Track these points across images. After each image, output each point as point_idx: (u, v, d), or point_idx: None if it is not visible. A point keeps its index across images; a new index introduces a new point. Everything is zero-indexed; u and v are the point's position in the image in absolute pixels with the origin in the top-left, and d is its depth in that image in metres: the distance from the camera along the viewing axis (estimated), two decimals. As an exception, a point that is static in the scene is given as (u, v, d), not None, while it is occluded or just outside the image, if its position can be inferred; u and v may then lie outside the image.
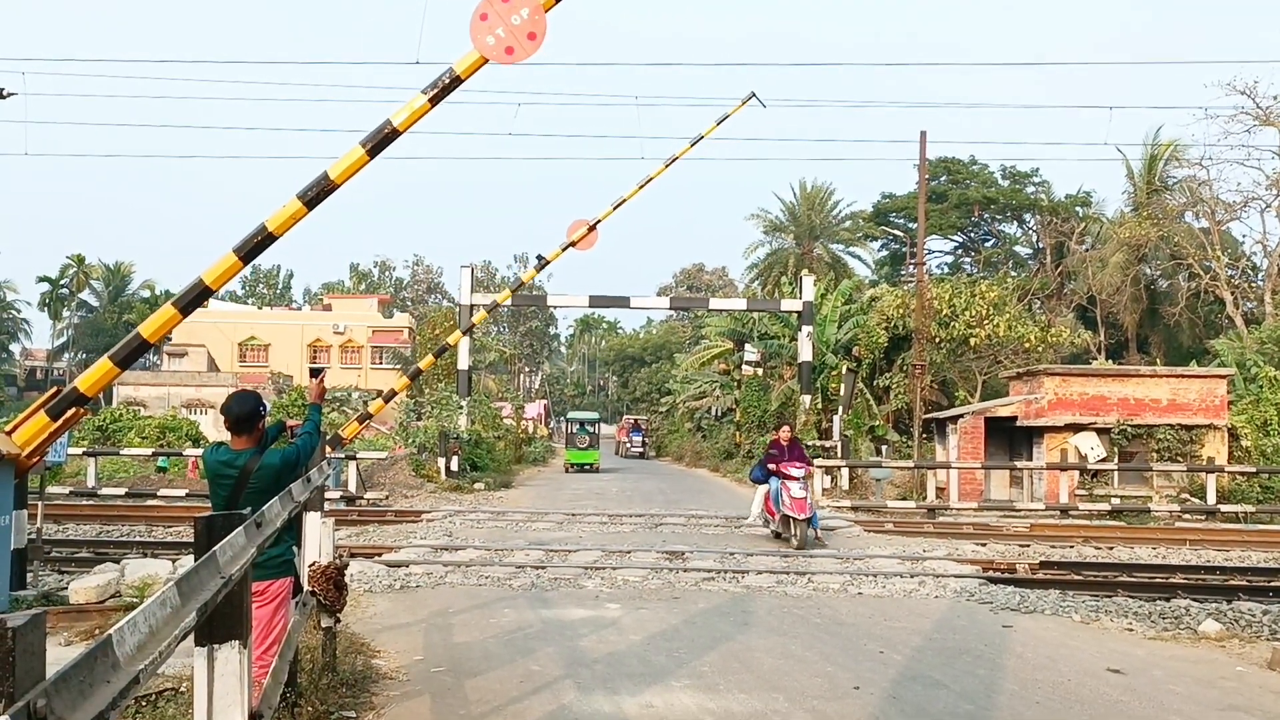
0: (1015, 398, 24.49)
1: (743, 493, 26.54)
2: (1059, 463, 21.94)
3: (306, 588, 5.87)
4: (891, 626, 8.70)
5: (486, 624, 8.49)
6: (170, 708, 5.43)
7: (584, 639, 7.97)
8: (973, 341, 30.58)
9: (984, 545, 15.06)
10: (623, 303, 35.18)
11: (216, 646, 3.11)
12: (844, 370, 30.81)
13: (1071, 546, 15.31)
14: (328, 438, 9.58)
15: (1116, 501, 20.90)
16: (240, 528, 3.33)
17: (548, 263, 17.98)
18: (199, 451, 21.62)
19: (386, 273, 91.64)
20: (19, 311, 79.57)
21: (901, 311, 31.67)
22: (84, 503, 18.68)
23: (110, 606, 8.37)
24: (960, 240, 57.27)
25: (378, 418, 23.98)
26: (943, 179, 53.72)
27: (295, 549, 5.50)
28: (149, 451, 24.16)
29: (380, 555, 12.14)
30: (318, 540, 6.38)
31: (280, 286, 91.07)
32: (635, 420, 58.22)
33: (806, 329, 32.79)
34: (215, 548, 3.01)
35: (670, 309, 70.47)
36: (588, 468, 36.59)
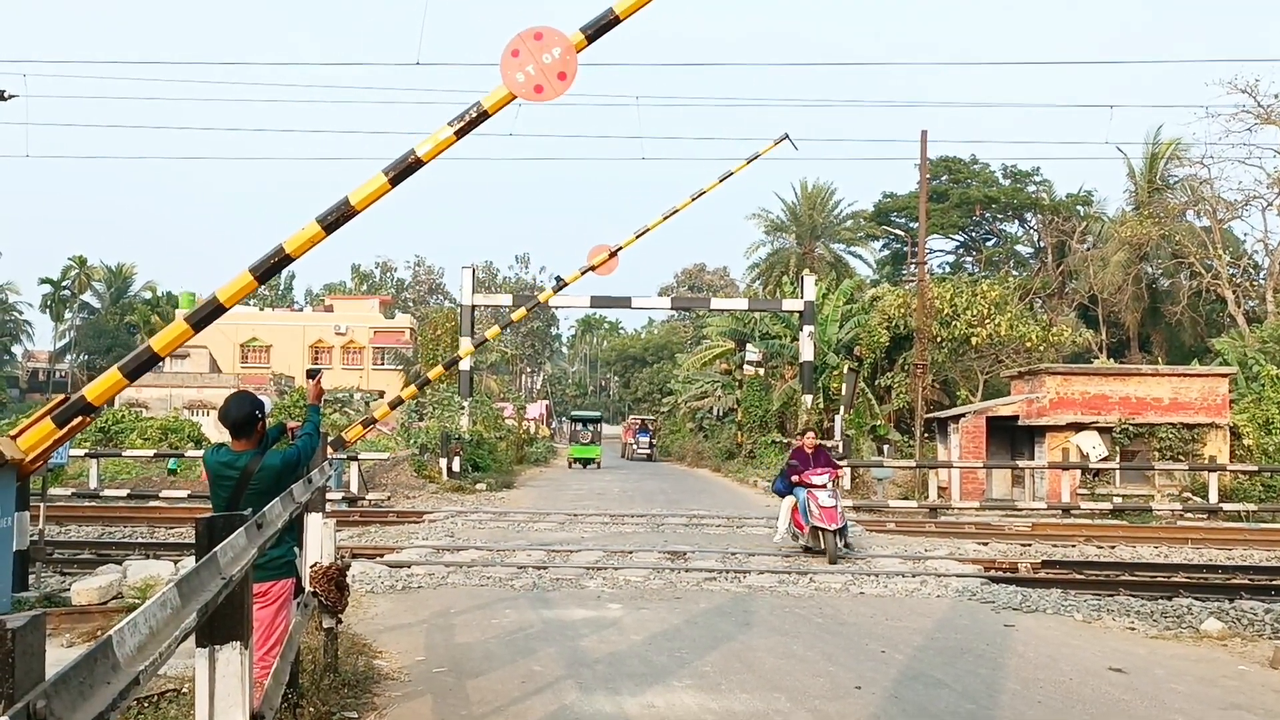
0: (1017, 397, 24.48)
1: (744, 492, 26.55)
2: (1061, 462, 21.93)
3: (308, 588, 5.88)
4: (893, 626, 8.70)
5: (488, 624, 8.50)
6: (172, 709, 5.43)
7: (585, 639, 7.97)
8: (974, 341, 30.58)
9: (986, 544, 15.06)
10: (624, 303, 35.19)
11: (218, 647, 3.12)
12: (845, 370, 30.80)
13: (1073, 546, 15.31)
14: (329, 439, 9.58)
15: (1118, 500, 20.90)
16: (241, 529, 3.33)
17: (566, 284, 18.29)
18: (200, 453, 21.63)
19: (388, 274, 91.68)
20: (21, 313, 79.78)
21: (903, 311, 31.68)
22: (86, 504, 18.69)
23: (112, 608, 8.37)
24: (961, 239, 57.28)
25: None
26: (944, 178, 53.73)
27: (296, 550, 5.50)
28: (151, 453, 24.17)
29: (382, 556, 12.14)
30: (319, 541, 6.38)
31: (282, 287, 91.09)
32: (642, 420, 54.84)
33: (808, 329, 32.80)
34: (216, 549, 3.01)
35: (672, 309, 70.50)
36: (590, 463, 39.24)
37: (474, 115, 6.98)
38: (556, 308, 71.15)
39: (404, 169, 7.04)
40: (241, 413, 5.11)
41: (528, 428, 47.98)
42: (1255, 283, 38.34)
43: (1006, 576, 11.43)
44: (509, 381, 73.65)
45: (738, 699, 6.30)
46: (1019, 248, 55.81)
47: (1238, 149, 49.54)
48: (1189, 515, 19.65)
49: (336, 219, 6.97)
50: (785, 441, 31.52)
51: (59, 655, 5.58)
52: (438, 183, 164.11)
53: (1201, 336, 37.99)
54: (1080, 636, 8.46)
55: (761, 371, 36.63)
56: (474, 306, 34.28)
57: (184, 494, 19.60)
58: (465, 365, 33.29)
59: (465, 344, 33.12)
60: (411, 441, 27.51)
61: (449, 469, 24.96)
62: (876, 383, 33.37)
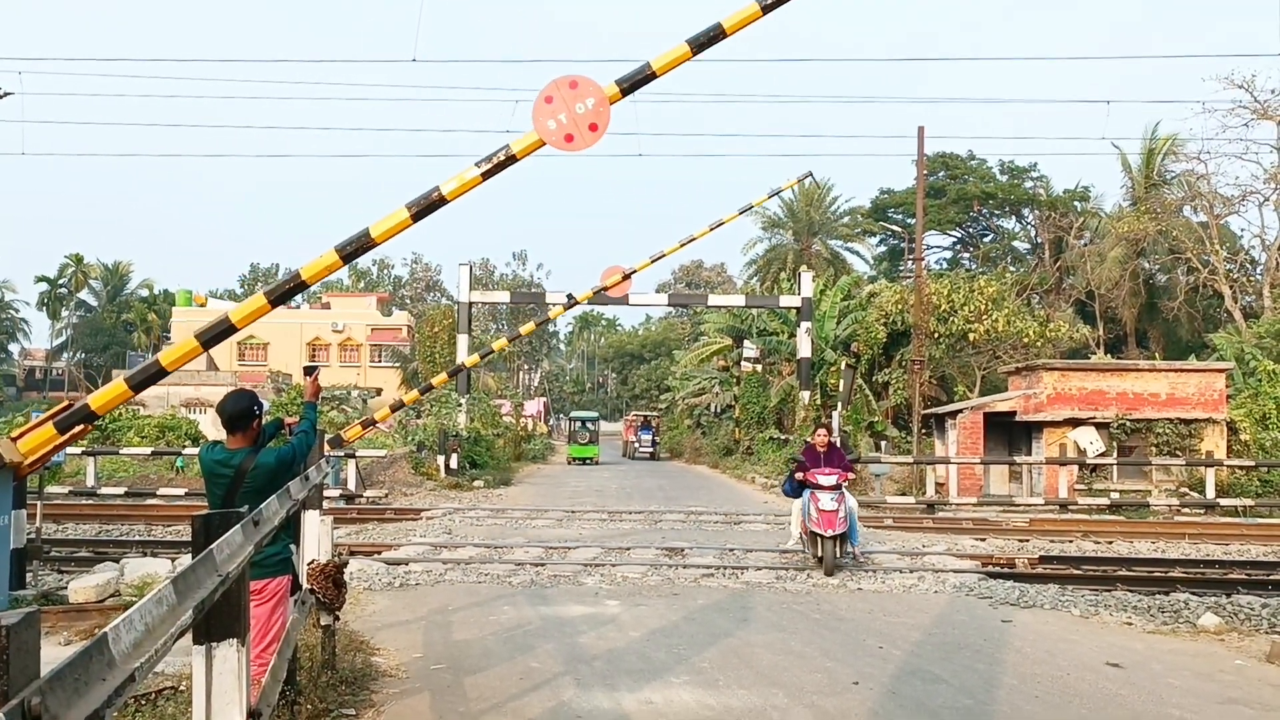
0: (1014, 393, 24.50)
1: (742, 489, 26.56)
2: (1058, 458, 21.95)
3: (305, 586, 5.88)
4: (891, 622, 8.71)
5: (486, 621, 8.50)
6: (169, 706, 5.43)
7: (583, 636, 7.98)
8: (971, 337, 30.61)
9: (983, 540, 15.08)
10: (621, 299, 35.17)
11: (214, 645, 3.12)
12: (843, 366, 30.76)
13: (1070, 541, 15.32)
14: (327, 437, 9.57)
15: (1115, 496, 20.93)
16: (237, 526, 3.33)
17: (577, 303, 18.74)
18: (196, 451, 21.60)
19: (385, 271, 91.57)
20: (17, 311, 79.64)
21: (900, 307, 31.69)
22: (83, 502, 18.69)
23: (110, 606, 8.37)
24: (959, 235, 57.33)
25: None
26: (941, 174, 53.78)
27: (293, 547, 5.50)
28: (148, 450, 24.14)
29: (379, 553, 12.15)
30: (316, 538, 6.38)
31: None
32: (644, 417, 51.75)
33: (805, 325, 32.81)
34: (212, 546, 3.00)
35: (669, 305, 70.42)
36: (588, 461, 40.83)
37: (502, 158, 6.97)
38: (552, 304, 71.11)
39: (427, 205, 7.06)
40: (238, 407, 5.12)
41: (525, 425, 47.95)
42: (1252, 278, 38.39)
43: (1004, 572, 11.44)
44: (506, 378, 73.61)
45: (735, 695, 6.31)
46: (1016, 243, 55.87)
47: (1234, 144, 49.81)
48: (1186, 510, 19.68)
49: (355, 249, 6.99)
50: (783, 438, 31.54)
51: (55, 653, 5.58)
52: (435, 180, 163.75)
53: (1198, 332, 38.02)
54: (1077, 631, 8.47)
55: (759, 368, 36.63)
56: (471, 304, 34.34)
57: (181, 491, 19.60)
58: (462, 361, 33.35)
59: (463, 341, 33.18)
60: (409, 439, 27.51)
61: (447, 466, 24.95)
62: (874, 379, 33.39)
